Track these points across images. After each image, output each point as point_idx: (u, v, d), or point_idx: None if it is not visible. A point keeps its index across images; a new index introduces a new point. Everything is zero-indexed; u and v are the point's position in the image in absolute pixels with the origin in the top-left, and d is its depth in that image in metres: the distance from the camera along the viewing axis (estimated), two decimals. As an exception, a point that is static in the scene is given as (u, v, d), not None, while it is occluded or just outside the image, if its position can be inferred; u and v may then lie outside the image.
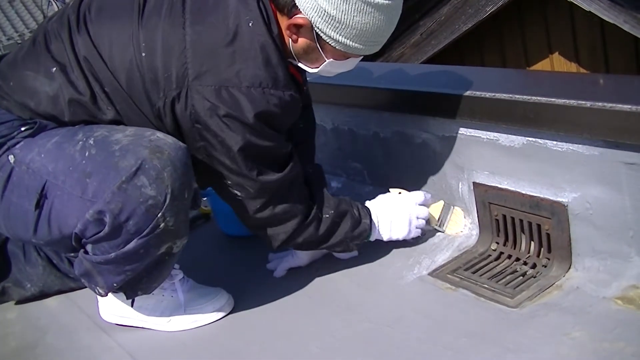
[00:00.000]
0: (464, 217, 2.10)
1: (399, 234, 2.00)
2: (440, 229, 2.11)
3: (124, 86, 1.70)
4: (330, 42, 1.68)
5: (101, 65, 1.70)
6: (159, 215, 1.60)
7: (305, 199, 1.86)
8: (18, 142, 1.70)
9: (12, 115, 1.73)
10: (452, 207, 2.11)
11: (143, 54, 1.68)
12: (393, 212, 1.99)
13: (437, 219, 2.09)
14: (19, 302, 2.16)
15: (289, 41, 1.73)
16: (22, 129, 1.71)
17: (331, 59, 1.74)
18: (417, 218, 2.01)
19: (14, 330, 2.04)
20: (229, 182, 1.77)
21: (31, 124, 1.72)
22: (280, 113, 1.71)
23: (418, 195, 2.03)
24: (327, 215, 1.88)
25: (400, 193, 2.05)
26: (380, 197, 2.04)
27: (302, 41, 1.71)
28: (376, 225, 1.97)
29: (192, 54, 1.65)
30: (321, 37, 1.68)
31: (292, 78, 1.75)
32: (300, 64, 1.79)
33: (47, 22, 1.83)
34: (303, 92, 1.82)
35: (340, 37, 1.66)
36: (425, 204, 2.04)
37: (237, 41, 1.66)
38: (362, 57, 1.79)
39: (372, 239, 1.99)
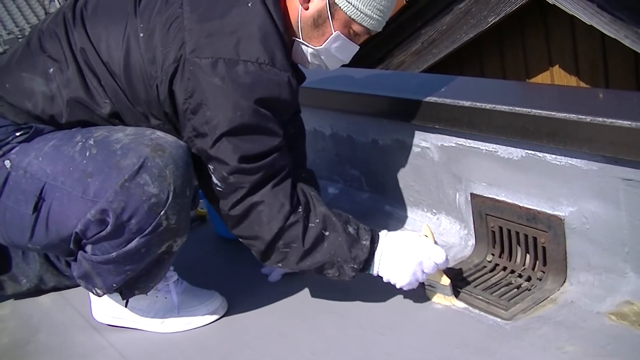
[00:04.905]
0: (448, 301, 1.84)
1: (396, 279, 1.78)
2: (426, 285, 1.87)
3: (122, 75, 1.70)
4: (341, 5, 1.70)
5: (96, 57, 1.71)
6: (161, 214, 1.60)
7: (289, 201, 1.71)
8: (13, 147, 1.69)
9: (6, 121, 1.73)
10: (450, 288, 1.83)
11: (141, 35, 1.69)
12: (402, 253, 1.77)
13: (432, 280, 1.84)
14: (12, 298, 2.16)
15: (299, 11, 1.74)
16: (17, 134, 1.70)
17: (338, 32, 1.74)
18: (423, 272, 1.77)
19: (7, 326, 2.03)
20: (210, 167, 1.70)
21: (26, 128, 1.71)
22: (275, 93, 1.67)
23: (439, 254, 1.77)
24: (313, 224, 1.73)
25: (426, 236, 1.85)
26: (398, 232, 1.83)
27: (313, 8, 1.73)
28: (378, 259, 1.77)
29: (190, 30, 1.66)
30: (334, 2, 1.71)
31: (292, 64, 1.74)
32: (303, 44, 1.78)
33: (42, 24, 1.84)
34: (301, 82, 1.80)
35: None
36: (440, 264, 1.77)
37: (234, 18, 1.66)
38: (359, 47, 1.81)
39: (373, 272, 1.79)
